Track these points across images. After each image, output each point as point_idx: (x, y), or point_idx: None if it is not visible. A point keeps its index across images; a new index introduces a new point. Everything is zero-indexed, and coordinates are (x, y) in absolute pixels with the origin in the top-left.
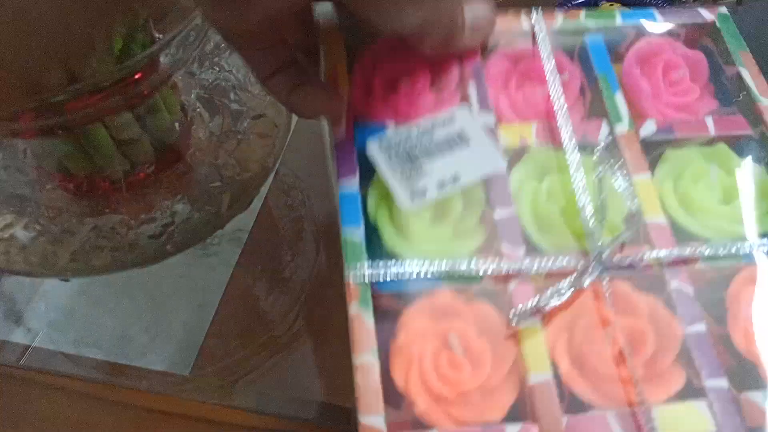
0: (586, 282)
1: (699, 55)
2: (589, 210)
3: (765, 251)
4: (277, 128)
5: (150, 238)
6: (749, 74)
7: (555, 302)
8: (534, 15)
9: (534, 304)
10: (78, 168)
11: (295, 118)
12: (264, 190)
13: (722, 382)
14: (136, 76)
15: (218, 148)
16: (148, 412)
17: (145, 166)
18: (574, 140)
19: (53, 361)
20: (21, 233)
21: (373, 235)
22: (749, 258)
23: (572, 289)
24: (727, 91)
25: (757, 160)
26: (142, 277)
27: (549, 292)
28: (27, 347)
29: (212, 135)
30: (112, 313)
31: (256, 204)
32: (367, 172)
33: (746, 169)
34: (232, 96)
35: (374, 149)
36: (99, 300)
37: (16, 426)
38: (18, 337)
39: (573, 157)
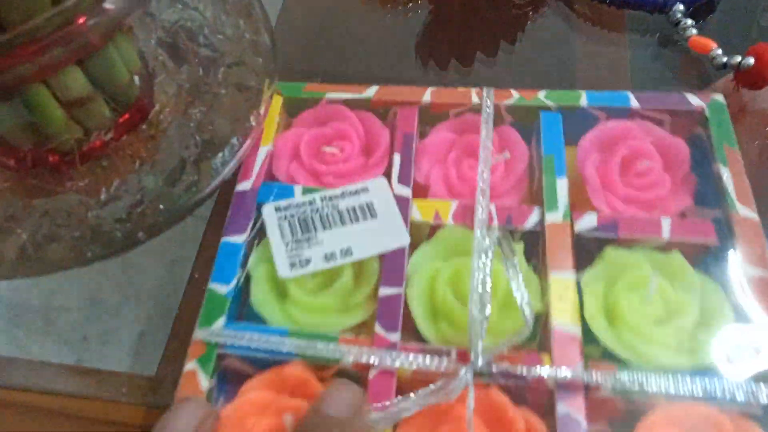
0: (453, 393)
1: (679, 144)
2: (477, 312)
3: (693, 390)
4: (258, 77)
5: (116, 222)
6: (730, 175)
7: (406, 413)
8: (485, 91)
9: (383, 424)
10: (19, 140)
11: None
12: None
13: None
14: (80, 21)
15: (189, 104)
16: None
17: (102, 132)
18: (485, 224)
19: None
20: None
21: (243, 293)
22: (671, 397)
23: (428, 403)
24: (712, 190)
25: (717, 277)
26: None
27: (401, 406)
28: None
29: (180, 89)
30: (80, 275)
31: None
32: (263, 229)
33: (698, 287)
34: (201, 40)
35: (269, 212)
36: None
37: None
38: None
39: (478, 242)
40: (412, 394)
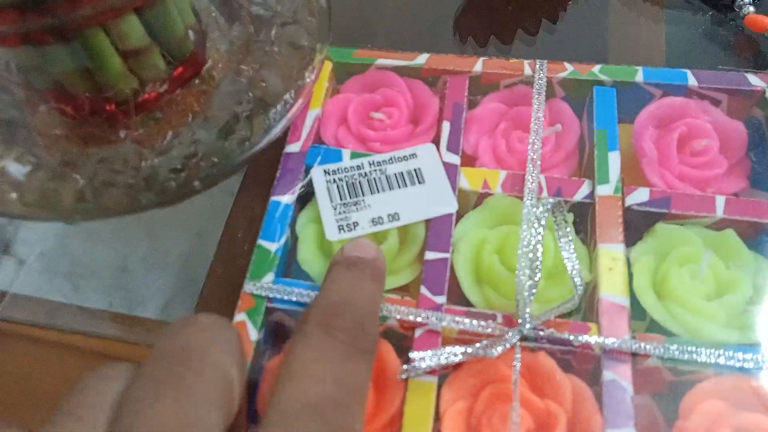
0: (497, 351)
1: (737, 127)
2: (526, 276)
3: (742, 363)
4: (311, 37)
5: (171, 172)
6: None
7: (450, 362)
8: (538, 63)
9: (427, 364)
10: (76, 86)
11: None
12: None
13: None
14: None
15: (241, 61)
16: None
17: (157, 83)
18: (535, 194)
19: (38, 310)
20: (13, 167)
21: (290, 252)
22: (719, 368)
23: (474, 356)
24: None
25: (761, 248)
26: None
27: (446, 351)
28: (4, 294)
29: (232, 46)
30: (107, 244)
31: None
32: (312, 191)
33: (752, 264)
34: None
35: (317, 175)
36: (93, 231)
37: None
38: (8, 268)
39: (528, 211)
40: (458, 345)
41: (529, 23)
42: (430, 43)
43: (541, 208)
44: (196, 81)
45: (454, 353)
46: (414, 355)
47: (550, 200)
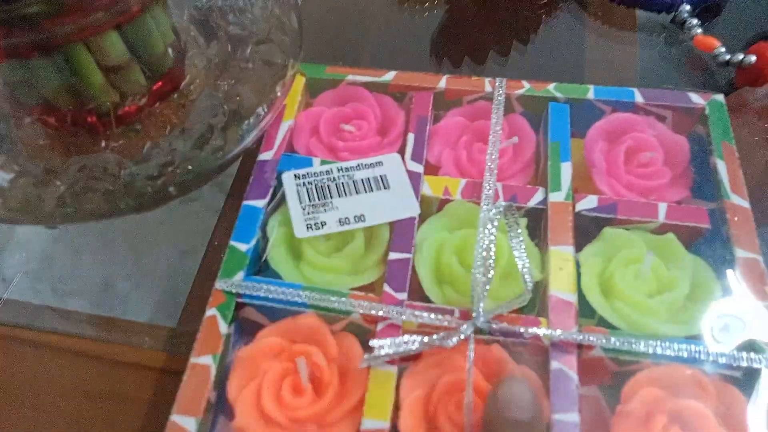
0: (452, 342)
1: (680, 141)
2: (481, 274)
3: (678, 353)
4: (284, 54)
5: (148, 180)
6: (726, 168)
7: (408, 350)
8: (497, 81)
9: (386, 352)
10: (60, 99)
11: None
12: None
13: None
14: None
15: (218, 77)
16: (133, 367)
17: (137, 97)
18: (491, 200)
19: (32, 314)
20: None
21: (261, 253)
22: (658, 357)
23: (431, 346)
24: (709, 184)
25: (708, 257)
26: (121, 224)
27: (404, 340)
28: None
29: (210, 63)
30: (92, 261)
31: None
32: (282, 196)
33: (690, 265)
34: (230, 18)
35: (288, 179)
36: (78, 248)
37: None
38: None
39: (484, 215)
40: (416, 336)
41: (501, 45)
42: (409, 63)
43: (494, 211)
44: (175, 95)
45: (411, 342)
46: (374, 343)
47: (503, 203)
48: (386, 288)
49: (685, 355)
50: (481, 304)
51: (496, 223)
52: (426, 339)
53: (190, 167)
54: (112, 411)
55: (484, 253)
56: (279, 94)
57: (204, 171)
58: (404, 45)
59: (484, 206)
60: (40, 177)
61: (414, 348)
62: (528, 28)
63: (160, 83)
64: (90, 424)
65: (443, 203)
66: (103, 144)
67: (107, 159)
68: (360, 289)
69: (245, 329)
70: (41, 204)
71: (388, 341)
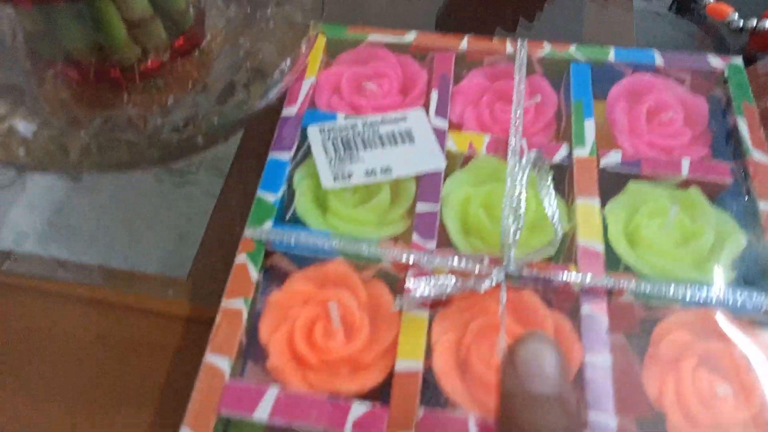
0: (484, 286)
1: (700, 102)
2: (510, 221)
3: (708, 299)
4: (305, 14)
5: (173, 132)
6: (746, 126)
7: (442, 292)
8: (519, 41)
9: (421, 293)
10: (83, 53)
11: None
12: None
13: (611, 420)
14: None
15: (239, 36)
16: (145, 314)
17: (159, 52)
18: (518, 154)
19: (43, 266)
20: (21, 125)
21: (287, 205)
22: (686, 303)
23: (464, 288)
24: (728, 144)
25: (730, 209)
26: (117, 209)
27: (439, 284)
28: (9, 253)
29: (230, 23)
30: (91, 244)
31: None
32: (307, 150)
33: (714, 218)
34: None
35: (314, 132)
36: (74, 232)
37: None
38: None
39: (512, 168)
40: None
41: (507, 22)
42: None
43: (524, 160)
44: (196, 53)
45: (446, 283)
46: (410, 283)
47: (533, 152)
48: (415, 237)
49: (714, 299)
50: (512, 252)
51: (527, 172)
52: (460, 282)
53: (214, 120)
54: (136, 360)
55: (515, 202)
56: (303, 50)
57: (229, 123)
58: (411, 21)
59: (512, 159)
60: (64, 128)
61: (448, 289)
62: (534, 4)
63: (181, 40)
64: (115, 373)
65: (467, 159)
66: (125, 98)
67: (131, 112)
68: (388, 240)
69: (274, 277)
70: (66, 154)
71: (423, 280)
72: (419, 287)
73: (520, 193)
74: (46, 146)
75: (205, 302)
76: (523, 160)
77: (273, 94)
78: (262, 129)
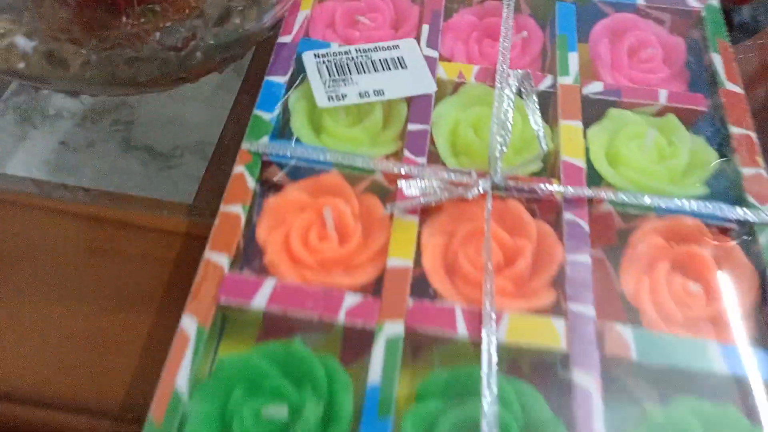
0: (471, 193)
1: (678, 41)
2: (497, 139)
3: (681, 209)
4: None
5: (171, 50)
6: (721, 60)
7: (429, 198)
8: None
9: (410, 192)
10: None
11: None
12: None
13: (589, 310)
14: None
15: None
16: (156, 231)
17: None
18: (505, 80)
19: (49, 188)
20: (21, 41)
21: (284, 128)
22: (661, 212)
23: (452, 195)
24: (704, 81)
25: (704, 134)
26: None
27: (428, 185)
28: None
29: None
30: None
31: (221, 114)
32: (302, 76)
33: (689, 140)
34: None
35: (308, 57)
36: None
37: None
38: None
39: (500, 89)
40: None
41: None
42: None
43: (512, 80)
44: None
45: (435, 186)
46: (402, 183)
47: (520, 72)
48: (406, 153)
49: (687, 208)
50: (499, 164)
51: (514, 89)
52: (447, 192)
53: (211, 42)
54: (135, 269)
55: (502, 116)
56: None
57: (225, 44)
58: None
59: (499, 84)
60: (64, 44)
61: (437, 191)
62: None
63: None
64: (114, 281)
65: (457, 86)
66: (123, 21)
67: (129, 32)
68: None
69: (270, 188)
70: (66, 67)
71: (413, 182)
72: (410, 187)
73: (506, 110)
74: (46, 60)
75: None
76: (510, 81)
77: (267, 19)
78: (245, 118)
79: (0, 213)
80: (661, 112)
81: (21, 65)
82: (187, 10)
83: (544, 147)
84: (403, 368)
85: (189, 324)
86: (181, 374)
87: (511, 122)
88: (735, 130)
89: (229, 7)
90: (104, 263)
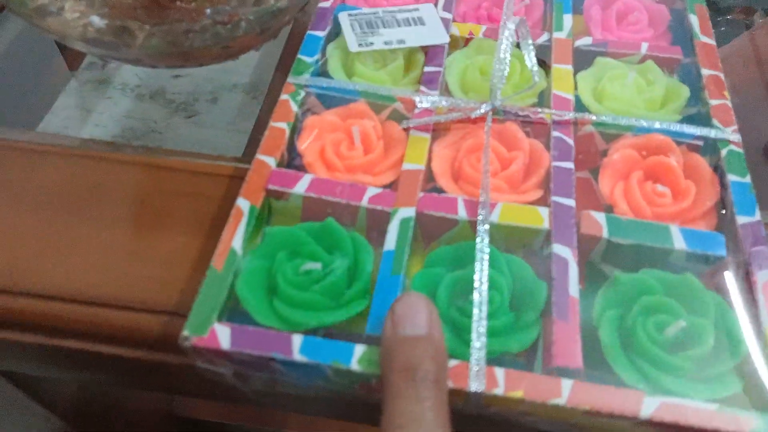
0: (474, 113)
1: (661, 7)
2: (499, 75)
3: (654, 126)
4: None
5: (219, 24)
6: (697, 19)
7: (440, 119)
8: None
9: (423, 105)
10: None
11: None
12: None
13: (570, 202)
14: None
15: None
16: (206, 175)
17: None
18: (507, 31)
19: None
20: (96, 19)
21: (323, 74)
22: (638, 130)
23: (458, 115)
24: (684, 39)
25: (680, 76)
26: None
27: (438, 102)
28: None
29: None
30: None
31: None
32: (338, 31)
33: (666, 80)
34: None
35: (343, 16)
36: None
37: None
38: None
39: (501, 34)
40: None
41: None
42: None
43: (511, 23)
44: None
45: (444, 103)
46: (416, 97)
47: (518, 18)
48: (422, 87)
49: (658, 126)
50: (498, 92)
51: (513, 30)
52: (455, 112)
53: (251, 17)
54: (188, 204)
55: (503, 55)
56: None
57: (263, 18)
58: None
59: (502, 30)
60: (131, 23)
61: (444, 114)
62: None
63: None
64: (167, 217)
65: (468, 41)
66: (178, 4)
67: (183, 11)
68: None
69: (309, 110)
70: (133, 37)
71: (425, 98)
72: (422, 102)
73: (506, 50)
74: (116, 32)
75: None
76: (509, 25)
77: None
78: None
79: (78, 163)
80: (642, 61)
81: (97, 36)
82: None
83: (537, 79)
84: (416, 252)
85: (243, 203)
86: (236, 238)
87: (510, 55)
88: (706, 71)
89: None
90: (162, 199)
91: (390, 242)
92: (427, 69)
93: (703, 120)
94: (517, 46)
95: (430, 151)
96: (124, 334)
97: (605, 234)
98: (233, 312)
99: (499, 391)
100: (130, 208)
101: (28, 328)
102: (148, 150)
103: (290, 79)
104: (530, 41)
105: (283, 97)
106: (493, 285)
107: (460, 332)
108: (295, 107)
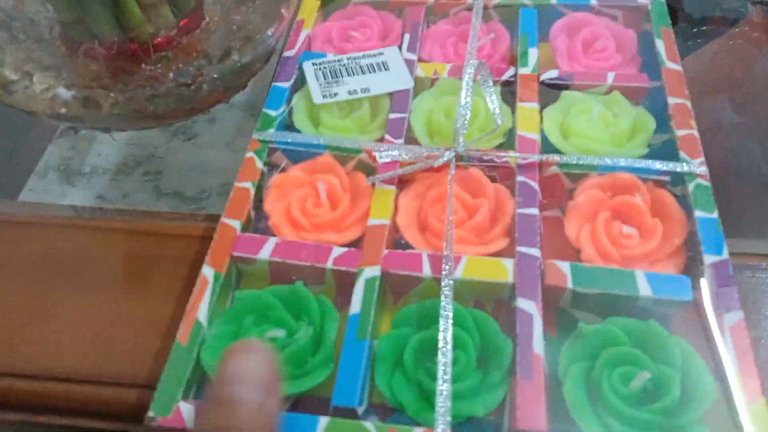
0: (438, 162)
1: (629, 33)
2: (461, 120)
3: (619, 164)
4: None
5: (183, 86)
6: (663, 45)
7: (405, 172)
8: None
9: (384, 159)
10: (107, 32)
11: None
12: None
13: (534, 251)
14: None
15: (232, 12)
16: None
17: (168, 30)
18: (470, 72)
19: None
20: (62, 91)
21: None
22: (604, 168)
23: (422, 165)
24: (652, 65)
25: (647, 104)
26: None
27: (400, 154)
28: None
29: (224, 6)
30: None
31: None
32: (303, 81)
33: (632, 111)
34: None
35: (307, 65)
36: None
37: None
38: None
39: (465, 83)
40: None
41: None
42: None
43: (470, 67)
44: (197, 31)
45: (406, 157)
46: (378, 154)
47: (478, 62)
48: (387, 136)
49: (624, 164)
50: (461, 137)
51: (472, 73)
52: (417, 163)
53: (215, 76)
54: (162, 268)
55: (464, 101)
56: (284, 13)
57: (227, 75)
58: None
59: (466, 72)
60: (96, 91)
61: (408, 168)
62: None
63: (185, 20)
64: (142, 283)
65: (433, 82)
66: (143, 68)
67: (147, 75)
68: None
69: (275, 170)
70: (99, 108)
71: (386, 152)
72: (382, 157)
73: (468, 93)
74: (82, 104)
75: None
76: (469, 67)
77: (262, 51)
78: None
79: (54, 233)
80: (608, 92)
81: (63, 110)
82: (194, 53)
83: (498, 122)
84: (385, 310)
85: (208, 271)
86: (201, 308)
87: (471, 100)
88: (672, 100)
89: (229, 47)
90: (137, 264)
91: (355, 305)
92: (392, 116)
93: (670, 149)
94: (478, 68)
95: (396, 203)
96: (100, 409)
97: (570, 284)
98: (202, 382)
99: None
100: (107, 275)
101: (8, 407)
102: (126, 213)
103: (255, 135)
104: (491, 84)
105: (248, 155)
106: (458, 344)
107: (429, 396)
108: (260, 164)
